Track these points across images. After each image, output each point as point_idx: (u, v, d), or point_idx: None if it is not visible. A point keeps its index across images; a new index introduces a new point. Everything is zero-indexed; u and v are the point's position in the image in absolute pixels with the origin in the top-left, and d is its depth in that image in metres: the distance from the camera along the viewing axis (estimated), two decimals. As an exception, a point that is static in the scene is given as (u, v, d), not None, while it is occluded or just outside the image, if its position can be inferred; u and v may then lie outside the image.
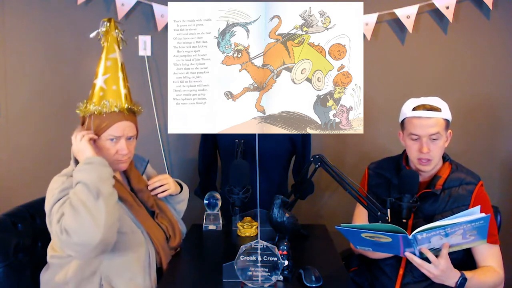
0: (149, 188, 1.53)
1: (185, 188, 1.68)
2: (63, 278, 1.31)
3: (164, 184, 1.55)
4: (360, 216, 1.65)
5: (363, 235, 1.28)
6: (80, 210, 1.19)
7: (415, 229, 1.44)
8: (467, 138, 2.32)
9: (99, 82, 1.38)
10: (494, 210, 1.54)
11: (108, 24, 1.41)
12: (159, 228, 1.47)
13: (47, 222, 1.30)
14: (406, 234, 1.21)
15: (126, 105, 1.39)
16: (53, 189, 1.30)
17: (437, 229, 1.21)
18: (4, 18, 2.30)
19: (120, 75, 1.40)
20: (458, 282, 1.30)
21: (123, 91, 1.40)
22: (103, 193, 1.23)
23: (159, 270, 1.41)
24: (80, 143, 1.32)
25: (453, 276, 1.30)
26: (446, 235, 1.23)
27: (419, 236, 1.22)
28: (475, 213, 1.21)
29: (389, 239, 1.25)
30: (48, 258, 1.36)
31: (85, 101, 1.39)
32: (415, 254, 1.29)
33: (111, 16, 2.27)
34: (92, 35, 1.42)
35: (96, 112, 1.35)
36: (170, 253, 1.47)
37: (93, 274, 1.30)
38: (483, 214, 1.20)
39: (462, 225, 1.21)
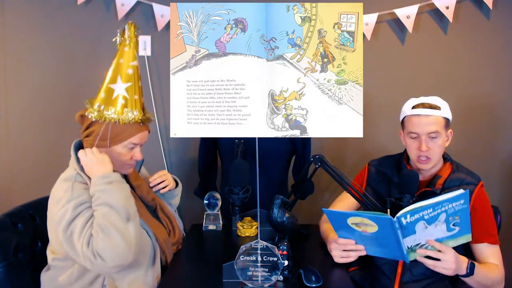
0: (151, 184, 1.55)
1: (179, 182, 1.71)
2: (67, 279, 1.30)
3: (164, 180, 1.57)
4: (343, 201, 1.67)
5: (349, 222, 1.29)
6: (112, 234, 1.19)
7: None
8: (467, 138, 2.32)
9: (119, 89, 1.33)
10: (494, 210, 1.54)
11: (130, 29, 1.36)
12: (161, 225, 1.48)
13: (54, 232, 1.27)
14: (390, 217, 1.23)
15: (147, 115, 1.40)
16: (60, 200, 1.26)
17: (421, 210, 1.22)
18: (4, 18, 2.30)
19: (140, 84, 1.38)
20: (468, 267, 1.32)
21: (141, 100, 1.40)
22: (132, 214, 1.25)
23: (163, 268, 1.41)
24: (98, 156, 1.30)
25: (462, 261, 1.32)
26: (430, 220, 1.24)
27: (403, 220, 1.23)
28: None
29: (375, 227, 1.25)
30: (50, 261, 1.36)
31: (98, 104, 1.33)
32: (406, 260, 1.31)
33: (111, 16, 2.29)
34: (116, 39, 1.36)
35: (120, 122, 1.32)
36: (173, 250, 1.48)
37: (97, 276, 1.30)
38: (462, 191, 1.24)
39: (444, 205, 1.23)
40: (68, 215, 1.23)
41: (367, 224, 1.27)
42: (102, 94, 1.34)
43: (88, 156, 1.30)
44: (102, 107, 1.32)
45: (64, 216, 1.23)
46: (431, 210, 1.22)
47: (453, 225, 1.27)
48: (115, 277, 1.31)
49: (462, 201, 1.24)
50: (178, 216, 1.65)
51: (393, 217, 1.22)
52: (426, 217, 1.23)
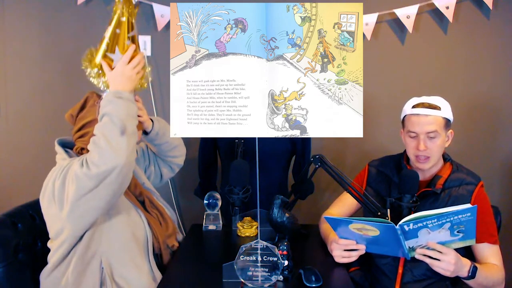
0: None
1: (157, 120, 1.62)
2: (64, 270, 1.31)
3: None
4: (343, 201, 1.67)
5: (351, 227, 1.29)
6: (101, 142, 1.18)
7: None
8: (467, 138, 2.32)
9: (117, 59, 1.31)
10: (494, 210, 1.54)
11: None
12: (151, 217, 1.48)
13: (48, 196, 1.29)
14: (392, 224, 1.22)
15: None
16: (49, 179, 1.30)
17: (424, 220, 1.22)
18: (4, 18, 2.30)
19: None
20: (471, 270, 1.31)
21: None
22: (128, 130, 1.22)
23: (161, 264, 1.42)
24: (133, 73, 1.28)
25: (465, 264, 1.32)
26: (433, 228, 1.24)
27: (406, 227, 1.22)
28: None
29: (377, 232, 1.25)
30: (48, 257, 1.36)
31: (96, 69, 1.30)
32: (407, 257, 1.30)
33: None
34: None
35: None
36: (168, 242, 1.47)
37: (93, 257, 1.30)
38: (469, 205, 1.22)
39: (450, 217, 1.22)
40: (64, 164, 1.25)
41: (369, 229, 1.27)
42: (98, 58, 1.30)
43: (125, 63, 1.28)
44: (100, 73, 1.31)
45: (61, 169, 1.25)
46: (435, 220, 1.22)
47: (458, 231, 1.27)
48: (110, 258, 1.30)
49: (469, 214, 1.23)
50: (170, 208, 1.63)
51: (394, 218, 1.22)
52: (430, 225, 1.23)
